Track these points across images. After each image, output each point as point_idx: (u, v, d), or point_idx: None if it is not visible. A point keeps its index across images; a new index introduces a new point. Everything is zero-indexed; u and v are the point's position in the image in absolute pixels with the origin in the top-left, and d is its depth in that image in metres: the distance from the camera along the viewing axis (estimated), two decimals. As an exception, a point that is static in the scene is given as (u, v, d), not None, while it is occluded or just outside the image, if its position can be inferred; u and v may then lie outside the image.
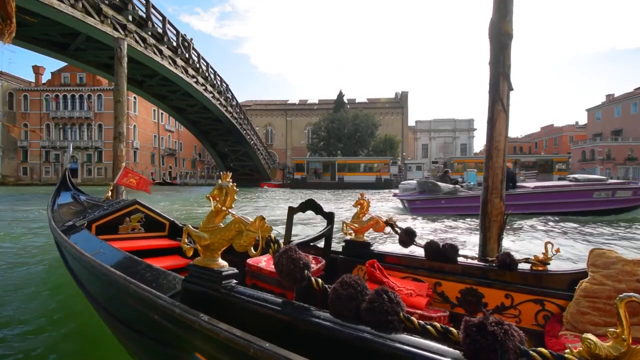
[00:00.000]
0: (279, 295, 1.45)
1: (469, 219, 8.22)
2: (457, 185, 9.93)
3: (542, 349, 0.69)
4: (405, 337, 0.82)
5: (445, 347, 0.76)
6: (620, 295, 0.63)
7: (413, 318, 0.87)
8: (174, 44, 18.65)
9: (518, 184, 9.52)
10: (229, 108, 29.15)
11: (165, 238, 3.04)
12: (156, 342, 1.30)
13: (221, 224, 1.27)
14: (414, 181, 11.25)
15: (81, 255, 1.84)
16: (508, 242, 5.45)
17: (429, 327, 0.83)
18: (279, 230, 5.73)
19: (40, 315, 2.71)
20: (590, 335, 0.63)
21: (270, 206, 13.55)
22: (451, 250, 1.83)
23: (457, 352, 0.74)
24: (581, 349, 0.64)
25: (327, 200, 16.48)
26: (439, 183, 9.82)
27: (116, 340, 1.83)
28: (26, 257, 4.49)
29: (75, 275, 2.31)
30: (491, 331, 0.69)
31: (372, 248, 2.17)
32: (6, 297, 3.08)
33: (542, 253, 1.62)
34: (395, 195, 11.99)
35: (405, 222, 8.26)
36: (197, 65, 22.19)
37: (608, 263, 1.34)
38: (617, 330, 0.63)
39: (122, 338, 1.70)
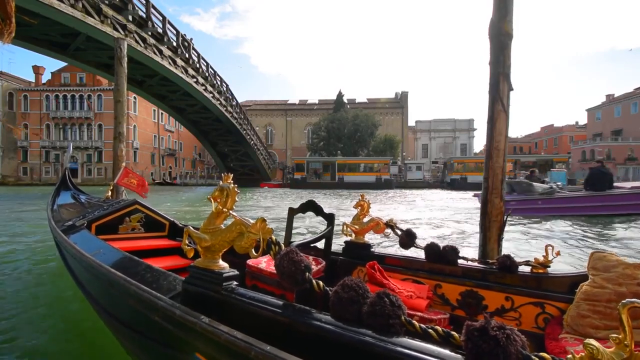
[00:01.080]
0: (278, 296, 1.45)
1: (562, 220, 8.02)
2: (553, 186, 9.75)
3: (544, 354, 0.68)
4: (406, 340, 0.82)
5: (446, 351, 0.76)
6: (623, 301, 0.63)
7: (415, 322, 0.87)
8: (174, 44, 18.66)
9: (615, 184, 9.29)
10: (229, 108, 29.16)
11: (165, 238, 3.04)
12: (156, 343, 1.29)
13: (222, 226, 1.27)
14: None
15: (81, 255, 1.84)
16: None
17: (430, 331, 0.83)
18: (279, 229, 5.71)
19: (39, 315, 2.71)
20: (592, 341, 0.63)
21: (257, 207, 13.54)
22: (451, 252, 1.83)
23: (459, 356, 0.74)
24: (583, 354, 0.64)
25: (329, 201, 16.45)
26: (534, 183, 9.61)
27: (116, 341, 1.83)
28: (26, 257, 4.49)
29: (75, 275, 2.31)
30: (493, 336, 0.69)
31: (372, 249, 2.16)
32: (4, 297, 3.08)
33: (543, 256, 1.62)
34: (475, 195, 11.66)
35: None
36: (197, 65, 22.19)
37: (608, 266, 1.33)
38: (620, 336, 0.63)
39: (122, 339, 1.70)
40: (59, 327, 2.54)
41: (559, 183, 10.45)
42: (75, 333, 2.47)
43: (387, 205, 14.03)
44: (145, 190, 4.42)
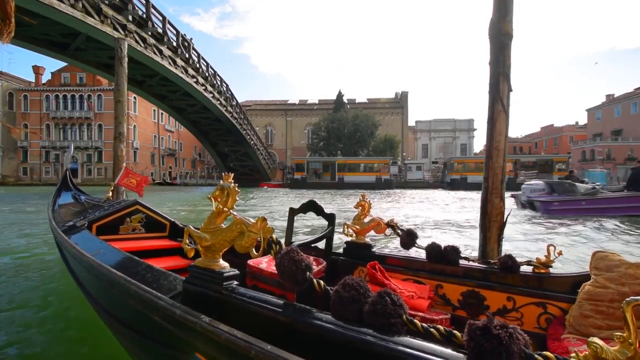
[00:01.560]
0: (279, 296, 1.44)
1: (608, 220, 7.93)
2: (596, 186, 9.72)
3: (548, 353, 0.68)
4: (408, 340, 0.81)
5: (448, 350, 0.75)
6: (627, 299, 0.63)
7: (416, 321, 0.86)
8: (174, 44, 18.66)
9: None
10: (229, 108, 29.16)
11: (165, 239, 3.04)
12: (156, 343, 1.29)
13: (222, 225, 1.27)
14: (541, 182, 10.96)
15: (81, 255, 1.84)
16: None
17: (432, 330, 0.83)
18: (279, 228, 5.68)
19: (39, 315, 2.71)
20: (596, 339, 0.63)
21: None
22: (453, 252, 1.82)
23: (461, 355, 0.73)
24: (587, 353, 0.63)
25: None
26: (577, 184, 9.59)
27: (116, 341, 1.82)
28: (26, 257, 4.49)
29: (75, 275, 2.31)
30: (496, 334, 0.68)
31: (373, 250, 2.16)
32: (5, 296, 3.08)
33: (545, 255, 1.61)
34: (513, 195, 11.51)
35: (547, 227, 7.60)
36: (197, 65, 22.19)
37: (611, 266, 1.33)
38: (624, 335, 0.63)
39: (122, 339, 1.69)
40: (59, 327, 2.54)
41: (598, 183, 10.46)
42: (75, 333, 2.47)
43: (390, 205, 14.02)
44: (144, 185, 4.37)
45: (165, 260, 2.56)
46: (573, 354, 0.65)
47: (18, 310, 2.79)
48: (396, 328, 0.85)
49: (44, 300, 3.04)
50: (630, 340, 0.62)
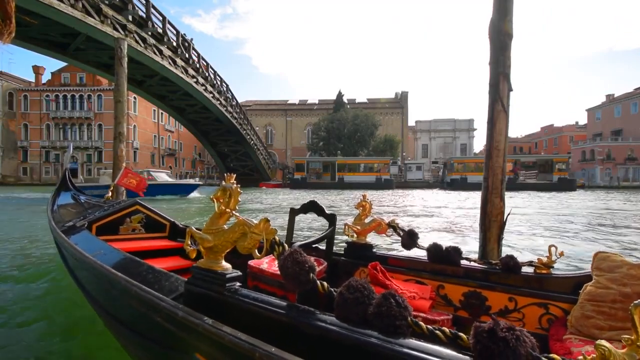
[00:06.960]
0: (281, 297, 1.44)
1: None
2: None
3: (555, 356, 0.68)
4: (413, 342, 0.81)
5: (454, 353, 0.75)
6: (635, 302, 0.62)
7: (421, 323, 0.86)
8: (174, 44, 18.67)
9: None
10: (229, 108, 29.16)
11: (165, 239, 3.03)
12: (158, 345, 1.29)
13: (225, 226, 1.26)
14: None
15: (81, 256, 1.83)
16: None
17: (437, 332, 0.82)
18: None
19: (38, 315, 2.70)
20: (604, 342, 0.62)
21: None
22: (454, 252, 1.82)
23: (467, 357, 0.73)
24: (594, 355, 0.63)
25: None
26: None
27: (116, 342, 1.82)
28: (25, 257, 4.48)
29: (75, 276, 2.30)
30: (502, 337, 0.68)
31: (374, 250, 2.15)
32: (4, 296, 3.07)
33: (546, 256, 1.61)
34: None
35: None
36: (197, 65, 22.20)
37: (613, 266, 1.33)
38: (632, 337, 0.62)
39: (122, 340, 1.69)
40: (59, 328, 2.53)
41: None
42: (76, 334, 2.46)
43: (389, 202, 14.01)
44: (143, 187, 4.35)
45: (165, 261, 2.56)
46: (580, 357, 0.65)
47: (17, 311, 2.78)
48: (401, 330, 0.84)
49: (43, 301, 3.03)
50: (638, 343, 0.61)
